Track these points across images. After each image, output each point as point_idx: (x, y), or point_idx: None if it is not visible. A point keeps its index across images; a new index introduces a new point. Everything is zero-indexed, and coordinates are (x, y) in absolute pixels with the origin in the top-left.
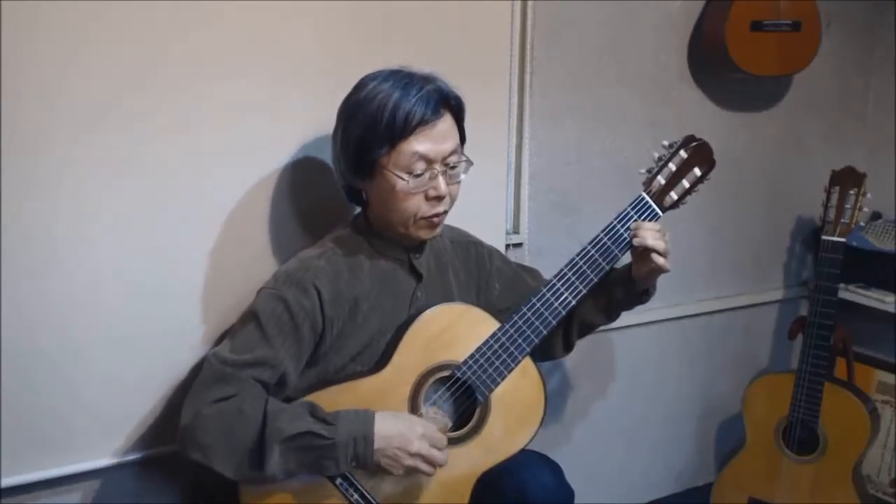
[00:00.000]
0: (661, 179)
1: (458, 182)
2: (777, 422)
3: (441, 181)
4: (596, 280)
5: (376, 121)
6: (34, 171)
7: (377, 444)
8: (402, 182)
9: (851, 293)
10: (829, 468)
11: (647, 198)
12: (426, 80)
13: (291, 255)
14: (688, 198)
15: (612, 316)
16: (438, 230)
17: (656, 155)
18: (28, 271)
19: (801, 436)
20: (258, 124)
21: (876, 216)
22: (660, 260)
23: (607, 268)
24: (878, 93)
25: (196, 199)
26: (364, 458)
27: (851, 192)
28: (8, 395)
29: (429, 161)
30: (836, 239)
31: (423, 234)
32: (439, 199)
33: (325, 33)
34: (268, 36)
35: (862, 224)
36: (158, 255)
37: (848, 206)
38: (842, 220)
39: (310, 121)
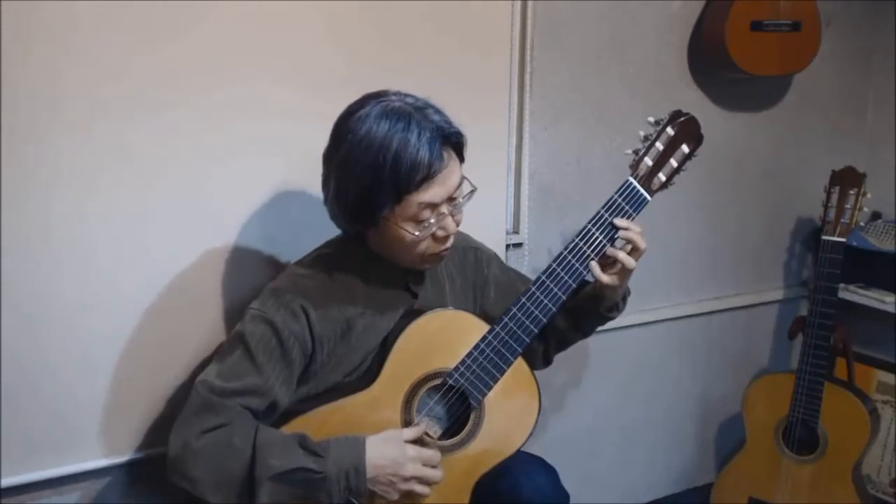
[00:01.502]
0: (648, 161)
1: (462, 211)
2: (777, 422)
3: (449, 221)
4: (586, 272)
5: (377, 175)
6: (34, 171)
7: (369, 474)
8: (411, 236)
9: (851, 293)
10: (829, 468)
11: (635, 182)
12: (422, 116)
13: (290, 258)
14: (676, 178)
15: (584, 330)
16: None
17: (642, 134)
18: (28, 271)
19: (801, 436)
20: (258, 126)
21: (876, 216)
22: (628, 261)
23: (596, 258)
24: (878, 93)
25: (197, 199)
26: (357, 490)
27: (851, 192)
28: (8, 395)
29: (435, 206)
30: (836, 239)
31: (429, 266)
32: (447, 237)
33: (325, 34)
34: (268, 37)
35: (862, 224)
36: (158, 256)
37: (848, 206)
38: (842, 220)
39: (310, 123)
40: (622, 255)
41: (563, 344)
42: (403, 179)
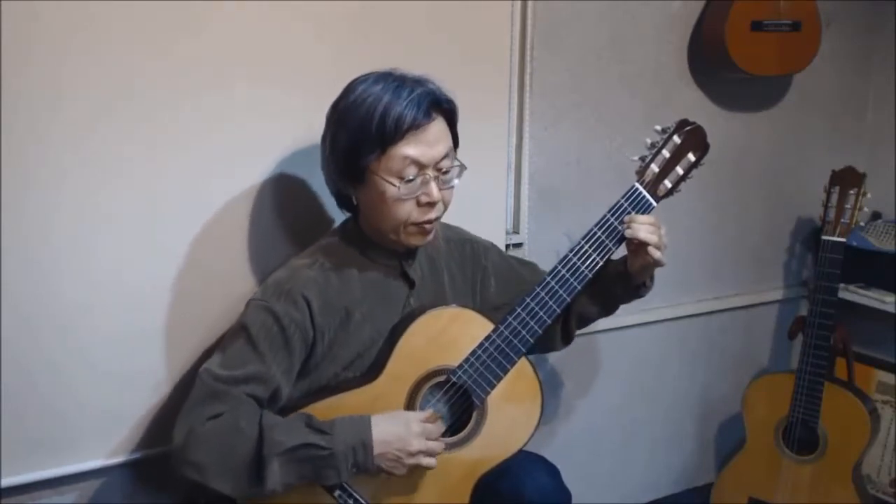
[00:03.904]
0: (654, 168)
1: (451, 188)
2: (777, 422)
3: (433, 186)
4: (591, 275)
5: (366, 125)
6: (34, 171)
7: (377, 450)
8: (393, 188)
9: (851, 293)
10: (829, 468)
11: (641, 188)
12: (417, 82)
13: (288, 256)
14: (682, 185)
15: (610, 310)
16: (430, 237)
17: (649, 141)
18: (28, 271)
19: (801, 436)
20: (258, 126)
21: (876, 216)
22: (656, 254)
23: (601, 262)
24: (878, 93)
25: (196, 199)
26: (364, 465)
27: (851, 192)
28: (8, 395)
29: (420, 166)
30: (836, 239)
31: (415, 240)
32: (431, 205)
33: (324, 34)
34: (267, 39)
35: (862, 224)
36: (158, 256)
37: (848, 206)
38: (842, 220)
39: (309, 123)
40: (657, 255)
41: (584, 321)
42: (389, 130)
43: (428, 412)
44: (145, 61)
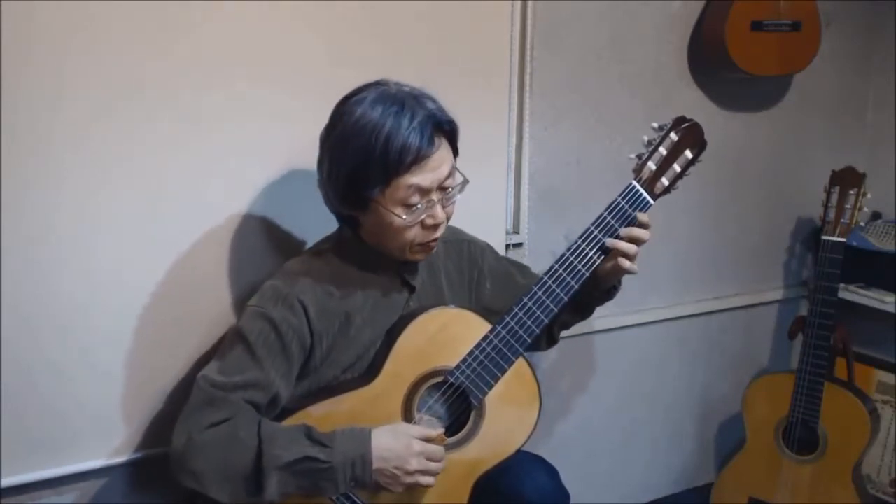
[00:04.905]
0: (651, 165)
1: (454, 202)
2: (777, 422)
3: (438, 209)
4: (588, 274)
5: (368, 156)
6: (34, 171)
7: (375, 465)
8: (399, 219)
9: (851, 293)
10: (829, 468)
11: (638, 186)
12: (417, 102)
13: (287, 256)
14: (679, 183)
15: (585, 314)
16: (433, 251)
17: (646, 138)
18: (28, 271)
19: (801, 436)
20: (258, 126)
21: (876, 216)
22: (626, 264)
23: (599, 261)
24: (878, 93)
25: (196, 199)
26: (362, 479)
27: (851, 192)
28: (8, 395)
29: (425, 192)
30: (836, 239)
31: (419, 257)
32: (436, 226)
33: (323, 35)
34: (267, 41)
35: (862, 224)
36: (158, 256)
37: (848, 206)
38: (842, 220)
39: (308, 124)
40: (627, 265)
41: (566, 327)
42: (393, 161)
43: (435, 432)
44: (145, 61)
